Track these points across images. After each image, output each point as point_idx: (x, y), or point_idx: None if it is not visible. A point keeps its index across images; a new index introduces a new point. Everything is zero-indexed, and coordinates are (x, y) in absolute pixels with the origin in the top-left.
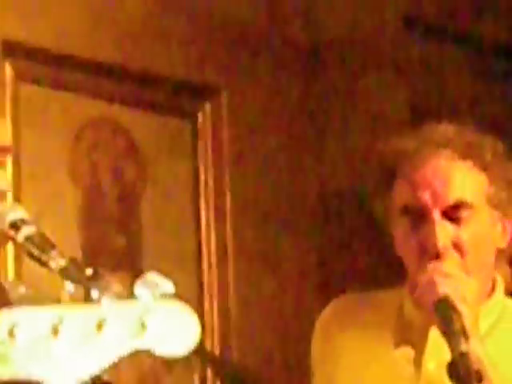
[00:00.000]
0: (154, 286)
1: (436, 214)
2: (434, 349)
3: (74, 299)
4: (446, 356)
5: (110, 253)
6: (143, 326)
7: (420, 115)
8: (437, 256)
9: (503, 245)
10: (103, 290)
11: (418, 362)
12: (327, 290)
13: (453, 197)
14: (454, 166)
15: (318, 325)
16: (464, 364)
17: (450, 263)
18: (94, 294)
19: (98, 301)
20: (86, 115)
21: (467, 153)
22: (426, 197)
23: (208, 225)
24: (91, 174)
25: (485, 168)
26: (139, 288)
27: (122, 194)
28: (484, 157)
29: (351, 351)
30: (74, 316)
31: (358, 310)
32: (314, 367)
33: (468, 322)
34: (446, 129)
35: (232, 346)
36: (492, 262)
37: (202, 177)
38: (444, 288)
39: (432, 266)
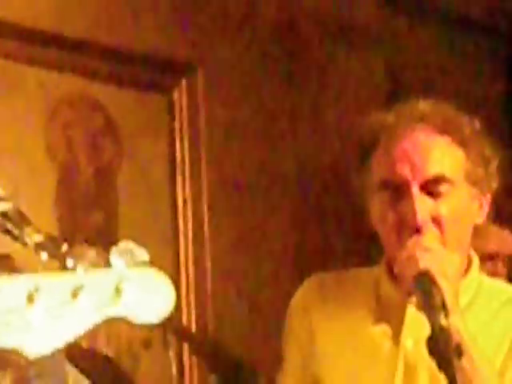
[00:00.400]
0: (129, 253)
1: (415, 188)
2: (411, 326)
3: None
4: (424, 333)
5: (87, 228)
6: (118, 293)
7: (396, 91)
8: (416, 230)
9: (480, 221)
10: (78, 259)
11: (395, 340)
12: (304, 266)
13: (432, 171)
14: (432, 140)
15: (292, 303)
16: (444, 339)
17: (431, 237)
18: (70, 262)
19: (74, 269)
20: (62, 92)
21: (446, 128)
22: (405, 170)
23: (184, 200)
24: (67, 150)
25: (463, 144)
26: (114, 256)
27: (98, 170)
28: (462, 133)
29: (328, 327)
30: (50, 284)
31: (334, 287)
32: (289, 345)
33: (448, 297)
34: (423, 104)
35: (208, 321)
36: (469, 238)
37: (179, 152)
38: (425, 262)
39: (412, 240)
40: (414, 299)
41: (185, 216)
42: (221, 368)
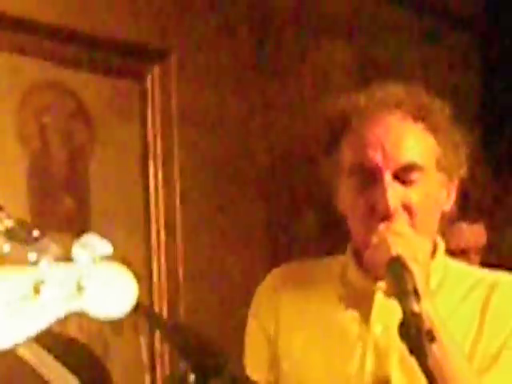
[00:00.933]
0: (93, 247)
1: (387, 176)
2: (380, 312)
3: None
4: (393, 319)
5: (59, 214)
6: (80, 288)
7: (368, 79)
8: (386, 217)
9: (448, 208)
10: (41, 252)
11: (364, 326)
12: (275, 253)
13: (404, 159)
14: (405, 127)
15: (260, 289)
16: (415, 324)
17: (402, 223)
18: (32, 256)
19: (36, 263)
20: (34, 77)
21: (418, 115)
22: (377, 157)
23: (156, 187)
24: (39, 137)
25: (434, 130)
26: (77, 250)
27: (70, 156)
28: (434, 119)
29: (296, 313)
30: (11, 278)
31: (301, 275)
32: (254, 333)
33: (420, 282)
34: (396, 89)
35: (179, 307)
36: (436, 224)
37: (151, 139)
38: (396, 248)
39: (384, 225)
40: (382, 285)
41: (157, 202)
42: (192, 355)
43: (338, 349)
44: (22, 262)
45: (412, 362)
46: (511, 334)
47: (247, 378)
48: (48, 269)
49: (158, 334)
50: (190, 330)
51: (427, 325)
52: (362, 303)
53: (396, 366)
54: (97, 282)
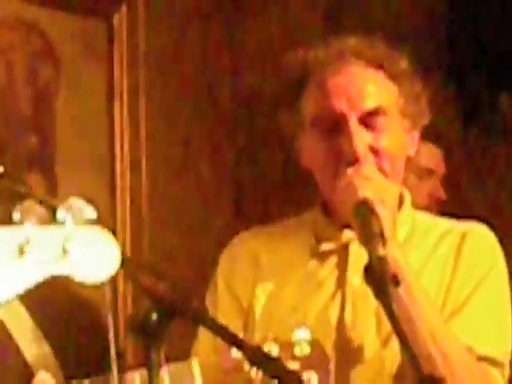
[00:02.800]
0: (77, 211)
1: (353, 121)
2: (356, 264)
3: None
4: None
5: (23, 153)
6: (64, 251)
7: (334, 25)
8: (354, 162)
9: (412, 153)
10: (26, 214)
11: (341, 280)
12: (240, 199)
13: (369, 103)
14: (367, 74)
15: (231, 254)
16: (380, 268)
17: (370, 167)
18: (17, 216)
19: (21, 223)
20: (0, 15)
21: (379, 64)
22: (341, 105)
23: (122, 127)
24: (6, 74)
25: (395, 79)
26: (62, 213)
27: (36, 95)
28: (394, 68)
29: (273, 275)
30: None
31: (272, 234)
32: (227, 304)
33: (386, 226)
34: (355, 40)
35: (143, 247)
36: (402, 171)
37: (117, 78)
38: (363, 191)
39: (352, 169)
40: (356, 236)
41: (122, 142)
42: (155, 292)
43: (317, 301)
44: (6, 222)
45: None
46: (482, 279)
47: (211, 318)
48: (33, 230)
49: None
50: (153, 269)
51: (392, 268)
52: (334, 254)
53: (371, 318)
54: (81, 246)
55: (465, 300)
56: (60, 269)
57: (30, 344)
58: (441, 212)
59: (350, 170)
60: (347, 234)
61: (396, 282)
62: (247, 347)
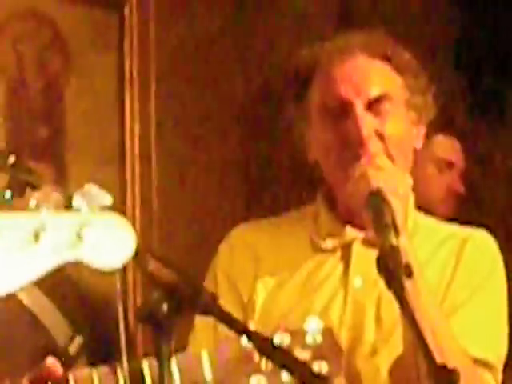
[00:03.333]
0: (93, 197)
1: (359, 107)
2: (359, 264)
3: None
4: (372, 271)
5: (34, 145)
6: (80, 237)
7: (347, 21)
8: (360, 145)
9: (419, 146)
10: (42, 200)
11: (343, 280)
12: (250, 190)
13: (374, 90)
14: (374, 64)
15: (230, 247)
16: (394, 258)
17: (382, 157)
18: (33, 203)
19: (37, 210)
20: (10, 6)
21: (385, 56)
22: (348, 91)
23: (132, 118)
24: (16, 66)
25: (401, 71)
26: (78, 199)
27: (46, 86)
28: (400, 61)
29: (270, 264)
30: (12, 224)
31: (272, 227)
32: (226, 295)
33: (399, 217)
34: (362, 35)
35: (153, 238)
36: (410, 163)
37: (128, 69)
38: (377, 181)
39: (365, 159)
40: (359, 235)
41: (132, 132)
42: (164, 284)
43: (318, 300)
44: (23, 208)
45: (386, 316)
46: (481, 284)
47: (220, 308)
48: (48, 216)
49: (131, 263)
50: (163, 260)
51: (405, 259)
52: (339, 253)
53: (371, 320)
54: (96, 233)
55: (461, 303)
56: (75, 255)
57: (54, 324)
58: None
59: (363, 160)
60: (351, 233)
61: (409, 272)
62: (257, 337)
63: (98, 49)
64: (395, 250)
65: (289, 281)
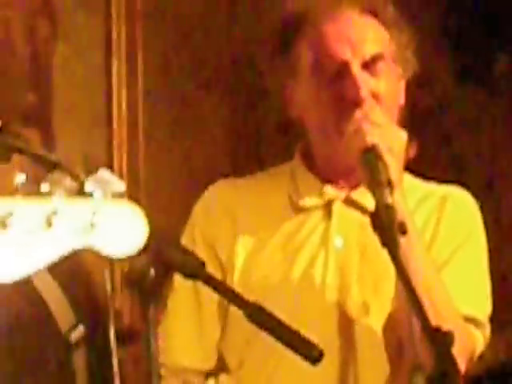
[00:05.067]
0: (106, 184)
1: (356, 66)
2: (339, 224)
3: None
4: (353, 231)
5: (21, 110)
6: (92, 224)
7: None
8: (358, 104)
9: (402, 102)
10: (54, 185)
11: (324, 240)
12: (237, 156)
13: (370, 49)
14: (365, 20)
15: (206, 205)
16: (388, 215)
17: (378, 113)
18: (45, 187)
19: (49, 195)
20: None
21: (372, 11)
22: (344, 51)
23: (120, 83)
24: (3, 31)
25: (388, 27)
26: (90, 185)
27: (34, 51)
28: (385, 16)
29: (249, 225)
30: (24, 210)
31: (249, 187)
32: (202, 242)
33: (393, 174)
34: None
35: (140, 203)
36: (396, 118)
37: (115, 34)
38: (372, 137)
39: (360, 113)
40: (339, 194)
41: (119, 97)
42: (152, 250)
43: (300, 260)
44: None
45: (368, 277)
46: (462, 243)
47: (208, 273)
48: (61, 202)
49: None
50: (150, 225)
51: (399, 217)
52: (319, 212)
53: (353, 280)
54: (109, 219)
55: (445, 262)
56: (87, 242)
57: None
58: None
59: (358, 114)
60: (330, 192)
61: (403, 230)
62: (243, 302)
63: (86, 13)
64: (390, 208)
65: (269, 241)
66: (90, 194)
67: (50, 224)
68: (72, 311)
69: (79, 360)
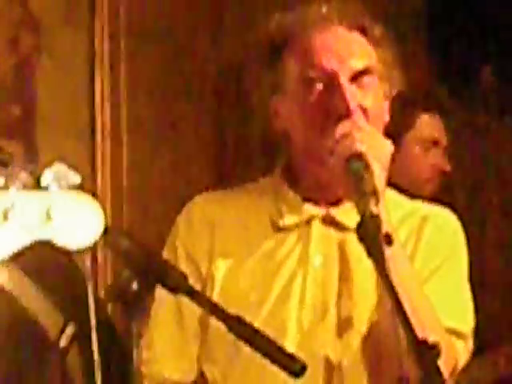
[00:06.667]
0: (62, 177)
1: (344, 79)
2: (318, 242)
3: None
4: (332, 249)
5: (4, 122)
6: (48, 216)
7: None
8: (345, 117)
9: (387, 119)
10: (11, 178)
11: (303, 259)
12: (222, 166)
13: (358, 63)
14: (353, 36)
15: (187, 219)
16: (374, 225)
17: (365, 121)
18: (1, 181)
19: (5, 188)
20: None
21: (362, 28)
22: (332, 63)
23: (102, 96)
24: None
25: (375, 46)
26: (46, 178)
27: (17, 64)
28: (374, 34)
29: (229, 240)
30: None
31: (229, 202)
32: (184, 256)
33: (379, 184)
34: (337, 5)
35: (123, 217)
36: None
37: (98, 48)
38: (361, 144)
39: (349, 120)
40: (319, 212)
41: (103, 111)
42: (135, 263)
43: (279, 279)
44: None
45: (350, 294)
46: (441, 263)
47: (190, 286)
48: (17, 195)
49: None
50: (133, 239)
51: (385, 227)
52: (299, 231)
53: (334, 297)
54: (65, 212)
55: (424, 280)
56: (44, 234)
57: (35, 302)
58: (445, 183)
59: (347, 121)
60: (310, 210)
61: (389, 241)
62: (225, 315)
63: (69, 26)
64: (375, 218)
65: (248, 259)
66: (46, 188)
67: (6, 217)
68: (58, 314)
69: (73, 361)
